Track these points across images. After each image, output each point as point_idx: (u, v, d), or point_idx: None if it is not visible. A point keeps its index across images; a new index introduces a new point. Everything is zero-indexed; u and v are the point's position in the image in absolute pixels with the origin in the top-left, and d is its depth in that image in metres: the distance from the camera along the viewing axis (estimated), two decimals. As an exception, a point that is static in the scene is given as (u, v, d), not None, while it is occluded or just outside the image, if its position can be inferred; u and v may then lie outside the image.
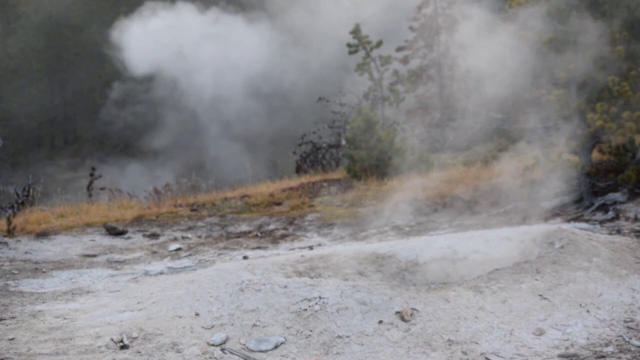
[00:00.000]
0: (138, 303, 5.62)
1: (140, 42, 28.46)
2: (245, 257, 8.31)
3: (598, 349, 4.48)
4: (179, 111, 32.28)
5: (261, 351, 4.48)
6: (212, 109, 30.83)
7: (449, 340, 4.54)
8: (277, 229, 10.94)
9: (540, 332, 4.68)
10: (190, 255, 9.16)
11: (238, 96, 30.35)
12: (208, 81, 29.55)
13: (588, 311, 4.95)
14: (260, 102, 31.48)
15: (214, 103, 30.64)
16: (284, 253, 8.39)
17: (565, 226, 7.77)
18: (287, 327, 4.68)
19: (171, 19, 29.42)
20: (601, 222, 9.05)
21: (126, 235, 10.67)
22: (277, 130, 30.99)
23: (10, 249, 9.31)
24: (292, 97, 30.57)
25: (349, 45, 20.70)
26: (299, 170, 19.85)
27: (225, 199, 13.75)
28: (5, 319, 5.53)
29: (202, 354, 4.47)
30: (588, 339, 4.63)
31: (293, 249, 9.19)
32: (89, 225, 11.28)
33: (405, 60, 21.23)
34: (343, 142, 19.76)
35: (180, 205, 13.28)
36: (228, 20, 29.89)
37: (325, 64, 28.65)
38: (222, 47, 28.90)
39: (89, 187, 15.68)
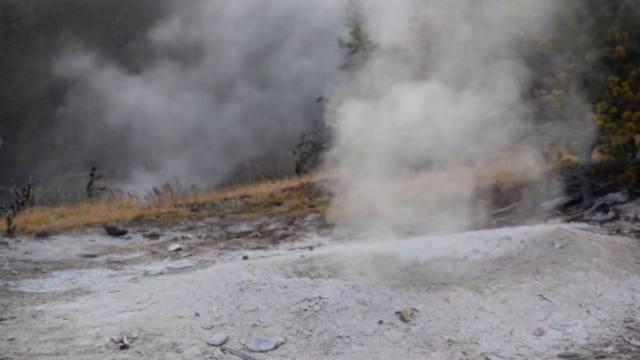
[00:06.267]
0: (138, 303, 5.62)
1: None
2: (245, 257, 8.31)
3: (598, 349, 4.48)
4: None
5: (261, 351, 4.48)
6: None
7: (449, 340, 4.54)
8: (277, 229, 10.94)
9: (540, 332, 4.67)
10: (190, 255, 9.16)
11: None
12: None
13: (588, 311, 4.95)
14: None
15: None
16: (284, 253, 8.39)
17: (565, 226, 7.76)
18: (287, 327, 4.68)
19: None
20: (601, 222, 9.05)
21: (126, 236, 10.67)
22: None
23: (10, 249, 9.31)
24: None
25: (349, 45, 20.67)
26: (299, 170, 19.83)
27: (225, 199, 13.75)
28: (5, 319, 5.53)
29: (202, 354, 4.47)
30: (588, 339, 4.63)
31: (293, 249, 9.19)
32: (89, 225, 11.28)
33: (405, 60, 21.20)
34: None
35: (180, 205, 13.28)
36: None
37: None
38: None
39: (89, 187, 15.67)
